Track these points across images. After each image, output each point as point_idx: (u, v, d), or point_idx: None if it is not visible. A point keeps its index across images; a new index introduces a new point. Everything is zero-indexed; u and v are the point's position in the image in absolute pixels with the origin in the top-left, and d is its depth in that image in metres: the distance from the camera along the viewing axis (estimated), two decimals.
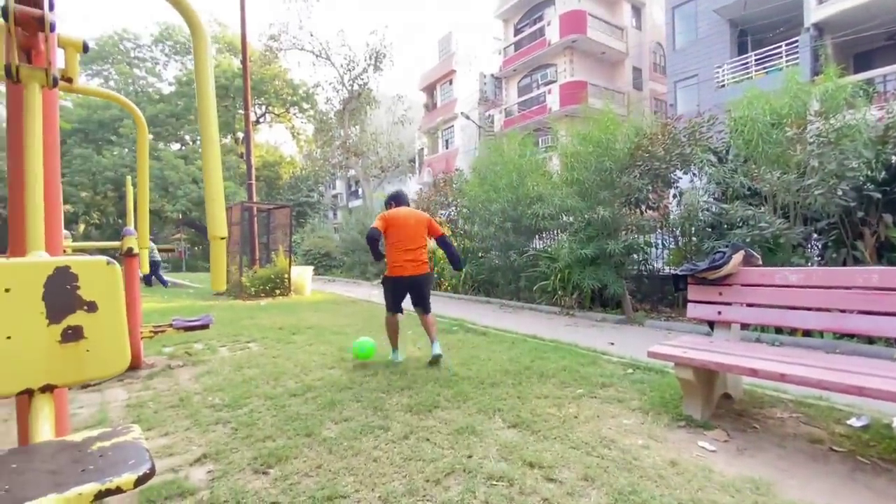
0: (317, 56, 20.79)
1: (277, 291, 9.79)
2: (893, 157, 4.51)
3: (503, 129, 22.77)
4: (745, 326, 4.09)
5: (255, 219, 10.43)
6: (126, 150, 27.02)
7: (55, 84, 1.23)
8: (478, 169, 9.84)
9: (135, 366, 4.13)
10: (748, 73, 14.72)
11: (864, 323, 2.41)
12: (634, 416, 2.78)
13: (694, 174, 6.07)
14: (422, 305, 4.18)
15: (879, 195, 4.37)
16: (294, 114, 31.94)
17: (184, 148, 30.60)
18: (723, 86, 15.20)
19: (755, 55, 14.55)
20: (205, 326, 4.60)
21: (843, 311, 2.48)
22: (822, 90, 4.88)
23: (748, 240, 4.88)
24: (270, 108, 31.95)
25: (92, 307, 1.12)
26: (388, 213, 4.14)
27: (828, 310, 2.54)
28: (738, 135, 5.27)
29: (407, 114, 21.89)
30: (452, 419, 2.71)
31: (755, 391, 3.19)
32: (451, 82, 27.51)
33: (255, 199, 10.61)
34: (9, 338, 1.02)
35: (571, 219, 7.12)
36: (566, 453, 2.25)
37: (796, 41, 13.45)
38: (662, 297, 7.34)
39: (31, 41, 1.19)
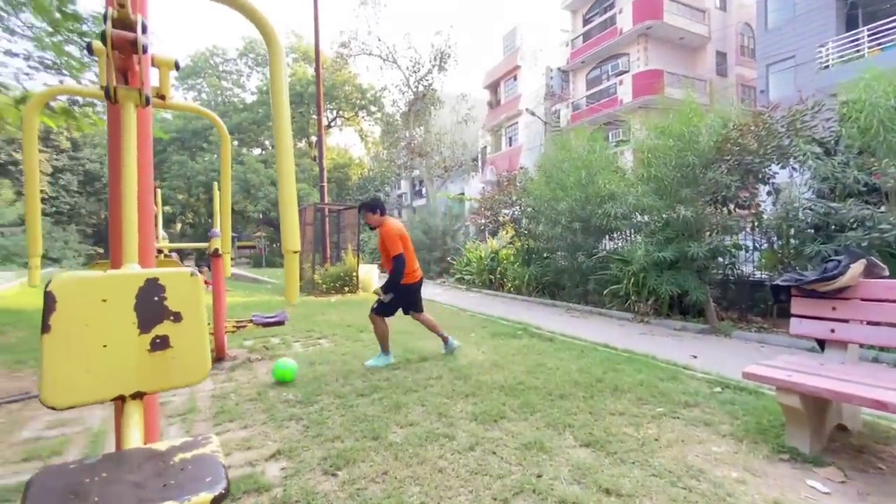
0: (384, 60, 21.40)
1: (346, 289, 10.18)
2: None
3: (570, 123, 21.96)
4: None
5: (327, 219, 10.93)
6: (215, 155, 29.67)
7: (148, 102, 1.29)
8: (544, 166, 9.53)
9: (219, 357, 4.46)
10: (859, 52, 12.89)
11: None
12: (726, 444, 2.49)
13: (794, 168, 5.38)
14: (420, 306, 4.51)
15: None
16: (362, 117, 33.23)
17: (264, 152, 32.99)
18: (826, 67, 13.46)
19: (868, 30, 12.70)
20: (280, 323, 4.86)
21: None
22: None
23: (864, 244, 4.22)
24: (341, 112, 33.47)
25: (177, 317, 1.15)
26: (393, 227, 4.21)
27: None
28: (852, 123, 4.59)
29: (470, 112, 21.86)
30: (520, 432, 2.60)
31: (878, 423, 2.74)
32: (515, 78, 27.04)
33: (326, 200, 11.12)
34: (105, 346, 1.07)
35: (647, 218, 6.64)
36: (647, 481, 2.06)
37: None
38: (752, 304, 6.63)
39: (126, 63, 1.26)
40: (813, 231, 5.10)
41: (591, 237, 8.01)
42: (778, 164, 5.45)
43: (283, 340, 5.39)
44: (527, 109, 21.22)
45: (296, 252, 1.16)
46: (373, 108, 31.52)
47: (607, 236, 8.18)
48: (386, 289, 4.19)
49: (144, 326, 1.11)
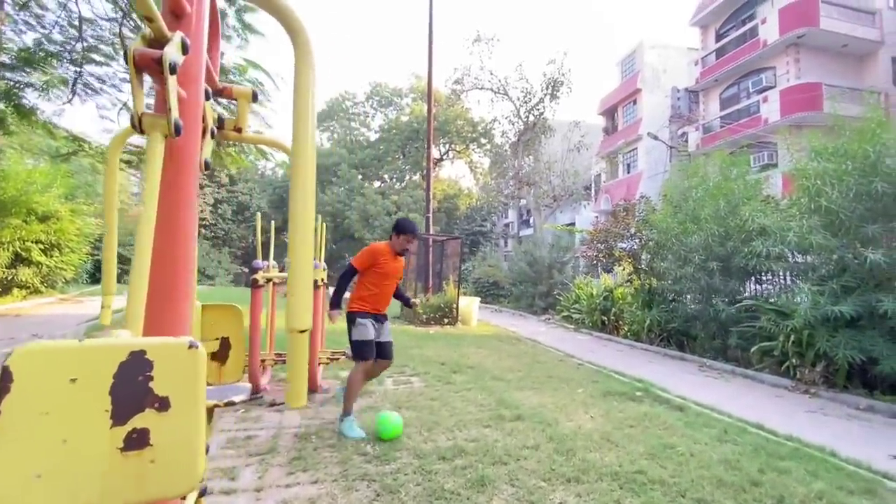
0: (495, 93, 21.68)
1: (446, 320, 9.99)
2: None
3: (700, 147, 19.63)
4: None
5: (431, 248, 11.00)
6: (342, 188, 32.83)
7: (178, 132, 1.08)
8: (670, 195, 8.38)
9: (312, 389, 4.44)
10: None
11: None
12: None
13: None
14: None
15: None
16: (473, 149, 34.07)
17: (382, 185, 35.57)
18: None
19: None
20: None
21: None
22: None
23: None
24: (453, 145, 34.80)
25: (164, 405, 0.87)
26: (376, 245, 3.69)
27: None
28: None
29: (583, 140, 20.87)
30: None
31: None
32: (634, 102, 25.33)
33: (432, 230, 11.24)
34: (65, 441, 0.81)
35: (814, 260, 5.25)
36: None
37: None
38: None
39: (160, 86, 1.07)
40: None
41: (733, 280, 6.67)
42: None
43: None
44: (648, 134, 19.55)
45: (303, 331, 0.81)
46: (483, 140, 32.12)
47: (753, 279, 6.75)
48: (349, 318, 3.56)
49: (119, 417, 0.84)
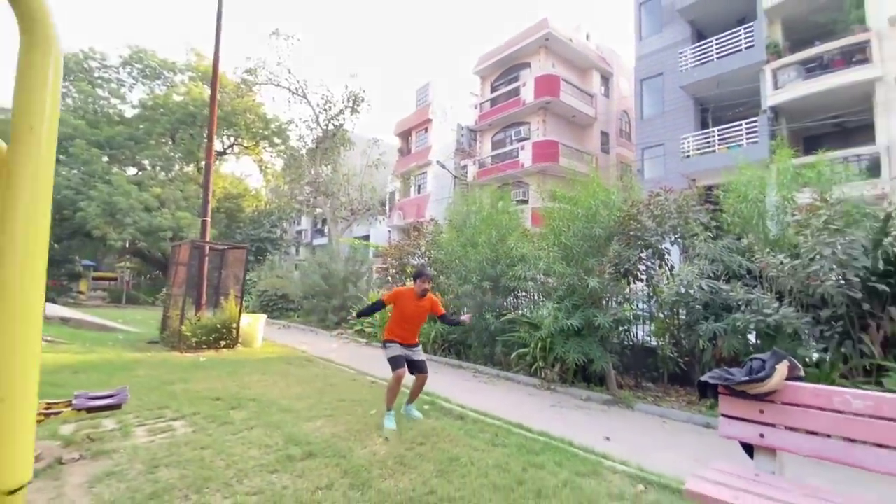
0: (293, 93, 20.48)
1: (223, 343, 8.66)
2: (892, 249, 4.34)
3: (476, 178, 22.91)
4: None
5: (206, 259, 9.41)
6: (74, 170, 25.14)
7: None
8: (454, 221, 9.40)
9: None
10: (711, 148, 15.49)
11: None
12: None
13: (686, 248, 5.81)
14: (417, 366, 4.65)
15: (887, 288, 4.15)
16: (264, 147, 31.14)
17: (140, 173, 28.89)
18: (688, 156, 15.89)
19: (718, 131, 15.39)
20: (116, 407, 3.66)
21: None
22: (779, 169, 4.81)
23: (752, 325, 4.52)
24: (239, 139, 31.07)
25: None
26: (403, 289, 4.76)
27: None
28: (734, 214, 5.06)
29: (382, 157, 21.67)
30: None
31: None
32: (426, 130, 27.83)
33: (208, 237, 9.63)
34: None
35: (555, 284, 6.66)
36: None
37: (755, 121, 14.33)
38: (645, 370, 6.89)
39: None
40: (702, 308, 5.44)
41: (500, 297, 7.88)
42: (673, 243, 5.83)
43: (122, 423, 4.07)
44: (438, 162, 21.70)
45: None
46: (276, 140, 29.76)
47: (514, 297, 8.13)
48: (384, 344, 4.59)
49: None
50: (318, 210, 23.84)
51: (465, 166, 24.54)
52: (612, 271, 6.02)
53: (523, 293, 7.89)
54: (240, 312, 9.10)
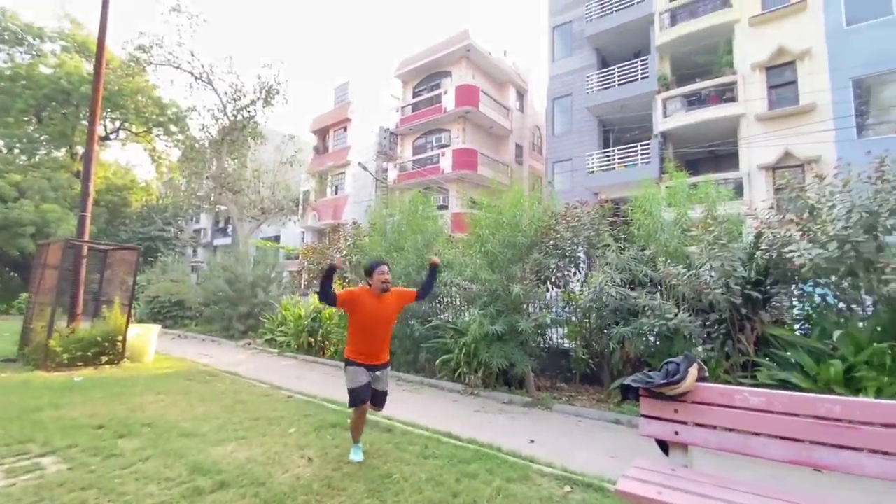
0: (196, 78, 18.56)
1: (104, 358, 7.47)
2: (762, 261, 5.10)
3: (397, 182, 22.75)
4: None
5: (85, 261, 8.07)
6: None
7: None
8: (377, 224, 9.18)
9: None
10: (611, 165, 17.09)
11: (829, 457, 2.28)
12: None
13: (597, 258, 6.28)
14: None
15: (759, 294, 4.86)
16: (157, 135, 27.79)
17: None
18: (592, 172, 17.33)
19: (618, 150, 17.02)
20: None
21: (807, 441, 2.34)
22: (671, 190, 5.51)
23: (654, 329, 5.01)
24: (127, 124, 27.38)
25: None
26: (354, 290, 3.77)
27: (793, 439, 2.38)
28: (639, 227, 5.58)
29: (297, 155, 20.49)
30: None
31: None
32: (345, 129, 27.03)
33: (87, 235, 8.28)
34: None
35: (481, 290, 6.79)
36: None
37: (648, 144, 16.11)
38: (559, 371, 7.31)
39: None
40: (612, 313, 5.91)
41: (426, 303, 7.83)
42: (586, 253, 6.27)
43: None
44: (359, 163, 21.15)
45: None
46: (173, 128, 26.71)
47: (439, 303, 8.14)
48: (345, 365, 3.70)
49: None
50: (222, 207, 21.86)
51: (386, 169, 24.24)
52: (533, 278, 6.30)
53: (448, 299, 7.93)
54: (127, 322, 7.94)
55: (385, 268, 3.64)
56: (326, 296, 3.45)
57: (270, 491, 3.03)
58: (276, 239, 28.42)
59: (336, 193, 26.85)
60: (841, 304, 4.92)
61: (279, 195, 19.82)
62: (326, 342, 9.72)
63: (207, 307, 13.99)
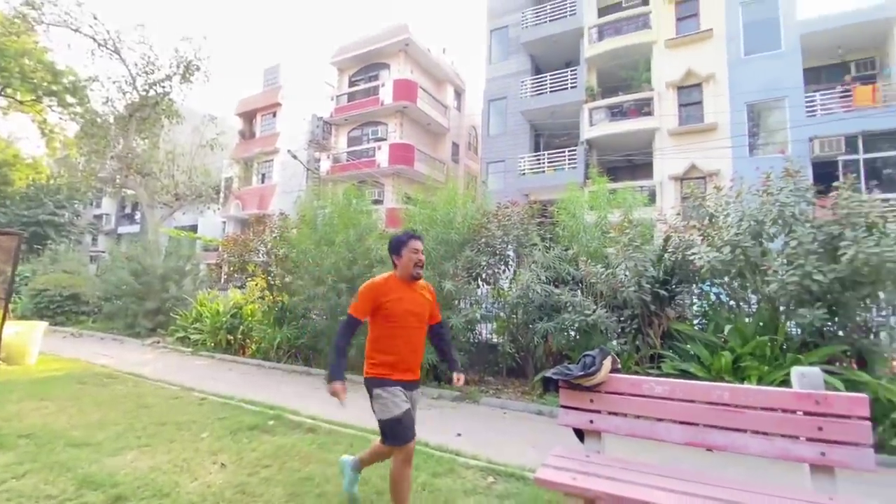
0: (99, 45, 16.52)
1: None
2: (669, 262, 5.61)
3: (331, 173, 21.97)
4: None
5: None
6: None
7: None
8: (307, 216, 8.78)
9: None
10: (541, 168, 17.87)
11: (720, 438, 2.55)
12: None
13: (525, 256, 6.52)
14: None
15: (665, 292, 5.33)
16: (50, 106, 24.35)
17: None
18: (524, 174, 18.00)
19: (548, 154, 17.83)
20: None
21: (702, 425, 2.60)
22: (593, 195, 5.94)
23: (575, 325, 5.31)
24: (11, 91, 23.67)
25: None
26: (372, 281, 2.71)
27: (690, 423, 2.63)
28: (564, 228, 5.88)
29: (218, 138, 19.01)
30: None
31: None
32: (274, 114, 25.62)
33: None
34: None
35: None
36: None
37: (575, 150, 17.04)
38: (487, 365, 7.50)
39: None
40: (537, 309, 6.17)
41: (346, 297, 7.64)
42: (515, 251, 6.48)
43: None
44: (289, 151, 20.12)
45: None
46: (70, 99, 23.54)
47: None
48: (367, 389, 2.60)
49: None
50: (129, 192, 19.72)
51: (318, 159, 23.31)
52: (464, 275, 6.40)
53: None
54: (3, 318, 6.87)
55: (419, 243, 2.67)
56: (342, 349, 2.65)
57: (176, 502, 2.78)
58: (193, 228, 26.23)
59: (263, 182, 25.39)
60: (732, 302, 5.55)
61: (197, 181, 18.28)
62: (248, 339, 9.14)
63: (108, 302, 12.55)
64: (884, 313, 4.86)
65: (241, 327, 9.20)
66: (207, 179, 19.49)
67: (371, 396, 2.57)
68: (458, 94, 25.92)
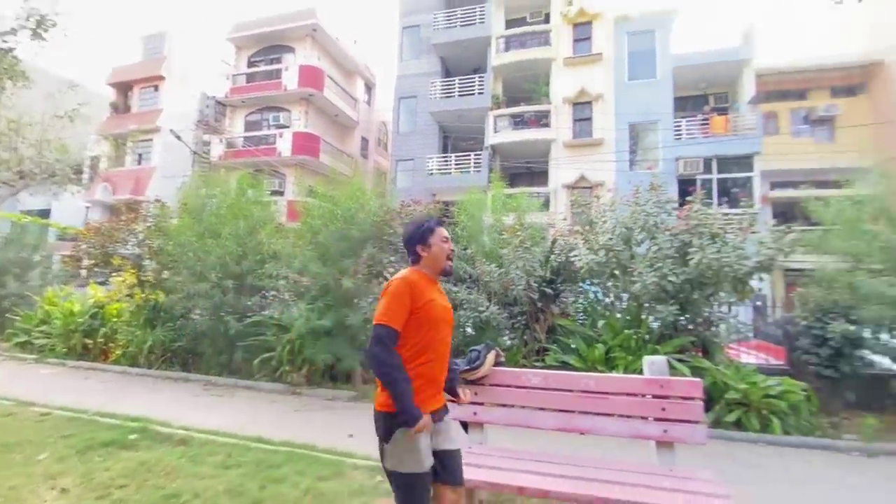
0: None
1: None
2: (555, 263, 6.09)
3: (223, 159, 20.03)
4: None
5: None
6: None
7: None
8: (191, 205, 7.91)
9: None
10: (448, 170, 18.27)
11: (588, 423, 2.82)
12: None
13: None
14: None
15: (552, 291, 5.77)
16: None
17: None
18: (431, 174, 18.23)
19: (455, 156, 18.27)
20: None
21: (574, 412, 2.84)
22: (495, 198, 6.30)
23: (470, 321, 5.50)
24: None
25: None
26: (401, 277, 1.97)
27: (564, 411, 2.86)
28: (464, 228, 6.07)
29: (81, 109, 16.23)
30: None
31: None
32: (156, 88, 22.72)
33: None
34: None
35: (310, 283, 6.44)
36: None
37: (480, 154, 17.71)
38: None
39: None
40: None
41: (245, 297, 7.08)
42: None
43: None
44: (171, 131, 17.93)
45: None
46: None
47: (261, 297, 7.45)
48: (384, 428, 1.81)
49: None
50: None
51: (208, 142, 21.13)
52: (365, 272, 6.27)
53: (273, 293, 7.31)
54: None
55: (445, 231, 2.13)
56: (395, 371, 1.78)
57: None
58: (46, 214, 22.22)
59: (139, 164, 22.36)
60: (607, 300, 6.19)
61: (49, 157, 15.42)
62: (111, 343, 7.94)
63: None
64: (723, 309, 5.76)
65: (103, 330, 7.97)
66: (65, 156, 16.53)
67: (385, 437, 1.83)
68: (370, 89, 25.41)
